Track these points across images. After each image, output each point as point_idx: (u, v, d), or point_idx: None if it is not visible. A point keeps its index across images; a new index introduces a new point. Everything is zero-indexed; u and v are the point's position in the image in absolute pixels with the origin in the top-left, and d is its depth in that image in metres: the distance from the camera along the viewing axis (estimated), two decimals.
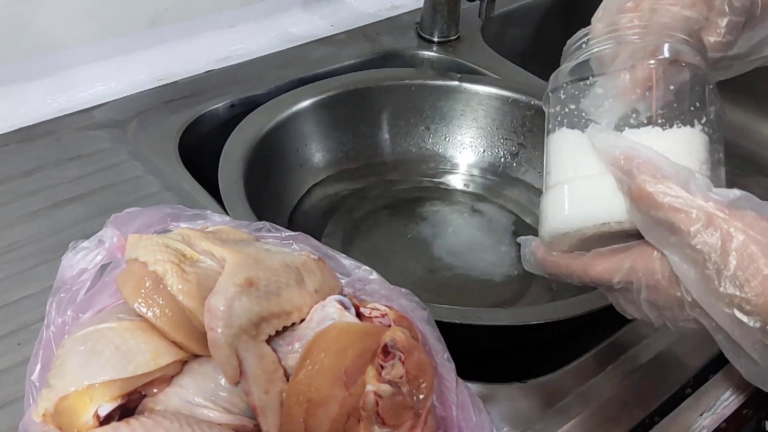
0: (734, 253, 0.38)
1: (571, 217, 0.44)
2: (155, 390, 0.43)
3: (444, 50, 0.98)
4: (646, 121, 0.44)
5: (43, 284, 0.58)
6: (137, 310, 0.43)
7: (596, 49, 0.46)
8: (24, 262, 0.61)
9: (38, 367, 0.44)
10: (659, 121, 0.43)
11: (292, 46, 0.94)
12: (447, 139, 0.91)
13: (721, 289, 0.38)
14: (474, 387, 0.53)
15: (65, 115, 0.79)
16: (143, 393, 0.43)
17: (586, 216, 0.43)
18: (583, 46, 0.47)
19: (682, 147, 0.43)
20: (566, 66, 0.48)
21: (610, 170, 0.42)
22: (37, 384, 0.44)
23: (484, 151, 0.90)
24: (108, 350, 0.42)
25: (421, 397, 0.40)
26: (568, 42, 0.49)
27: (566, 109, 0.46)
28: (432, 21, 0.98)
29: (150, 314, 0.43)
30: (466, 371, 0.48)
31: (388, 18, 1.03)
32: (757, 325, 0.38)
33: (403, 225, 0.84)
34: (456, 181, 0.90)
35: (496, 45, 1.00)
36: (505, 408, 0.52)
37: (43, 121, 0.77)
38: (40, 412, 0.41)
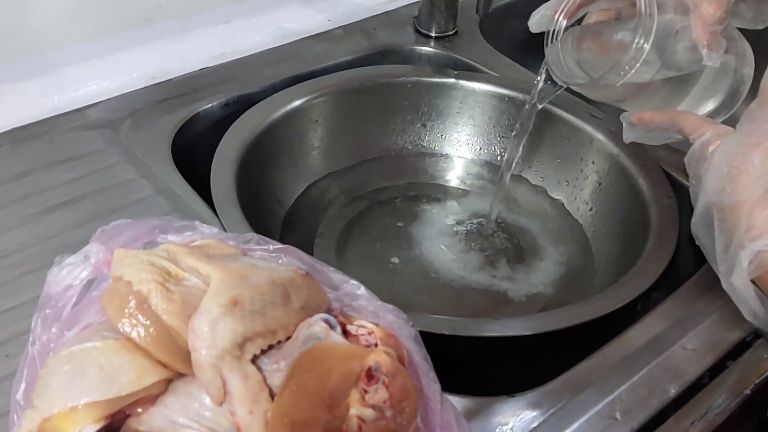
0: None
1: None
2: (139, 410, 0.43)
3: (442, 46, 0.96)
4: None
5: (33, 293, 0.57)
6: (121, 330, 0.43)
7: None
8: (13, 270, 0.60)
9: (23, 385, 0.44)
10: None
11: (287, 42, 0.93)
12: (443, 137, 0.90)
13: None
14: (460, 401, 0.53)
15: (58, 115, 0.78)
16: (127, 413, 0.43)
17: None
18: None
19: None
20: None
21: None
22: (22, 403, 0.43)
23: (481, 148, 0.90)
24: (92, 370, 0.42)
25: (405, 421, 0.40)
26: None
27: None
28: (429, 15, 0.97)
29: (134, 334, 0.43)
30: (452, 383, 0.48)
31: (385, 12, 1.01)
32: None
33: (398, 223, 0.84)
34: (452, 178, 0.90)
35: (494, 39, 0.99)
36: (492, 423, 0.52)
37: (37, 122, 0.77)
38: None
